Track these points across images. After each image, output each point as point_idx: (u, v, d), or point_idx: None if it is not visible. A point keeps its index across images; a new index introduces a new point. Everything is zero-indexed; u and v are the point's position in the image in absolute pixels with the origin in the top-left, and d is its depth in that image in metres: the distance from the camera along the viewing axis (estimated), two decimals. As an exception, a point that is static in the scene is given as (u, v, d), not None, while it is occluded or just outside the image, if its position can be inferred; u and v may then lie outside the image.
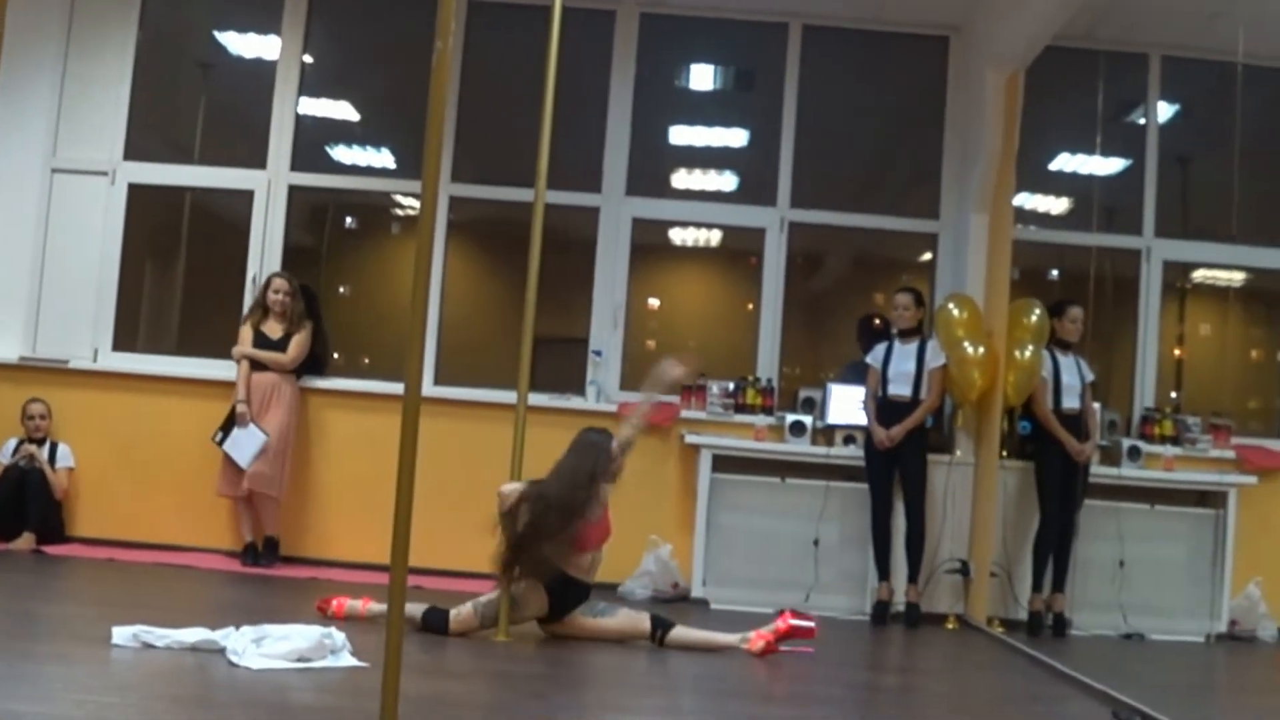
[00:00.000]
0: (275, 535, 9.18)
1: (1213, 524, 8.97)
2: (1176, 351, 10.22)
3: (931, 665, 7.56)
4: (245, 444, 8.92)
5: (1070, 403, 8.75)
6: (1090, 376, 8.87)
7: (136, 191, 9.84)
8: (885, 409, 8.77)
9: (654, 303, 10.74)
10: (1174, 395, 9.97)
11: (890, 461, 8.75)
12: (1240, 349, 10.47)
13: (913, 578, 8.70)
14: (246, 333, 9.17)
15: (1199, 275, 10.34)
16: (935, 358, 8.81)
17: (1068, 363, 8.82)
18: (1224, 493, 8.96)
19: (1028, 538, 8.79)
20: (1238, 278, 10.31)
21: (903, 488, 8.77)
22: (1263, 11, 8.82)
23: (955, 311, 8.91)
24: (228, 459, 8.96)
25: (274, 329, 9.18)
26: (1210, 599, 8.87)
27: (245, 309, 9.43)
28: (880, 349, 8.97)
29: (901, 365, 8.81)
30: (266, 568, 8.95)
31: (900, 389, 8.77)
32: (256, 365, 9.09)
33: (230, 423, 8.97)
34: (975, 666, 7.49)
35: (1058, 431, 8.65)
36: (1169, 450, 9.27)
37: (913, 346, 8.86)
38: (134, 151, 9.85)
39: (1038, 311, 8.86)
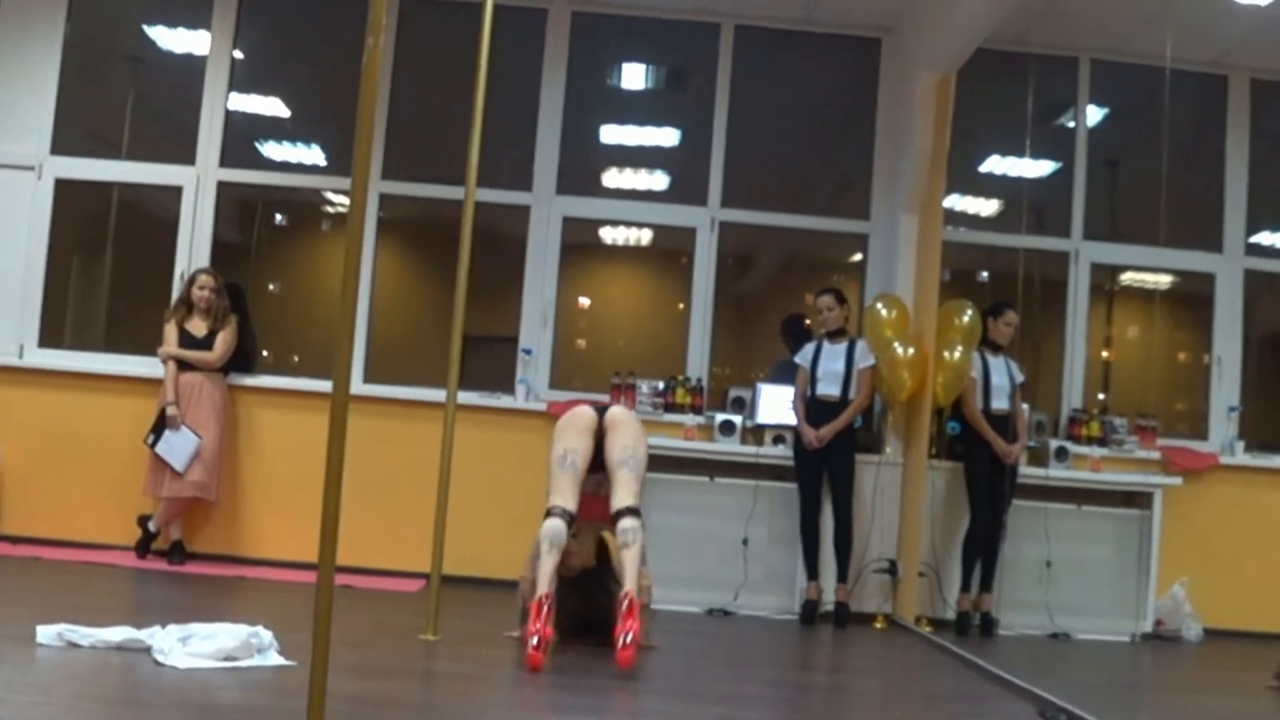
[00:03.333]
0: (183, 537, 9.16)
1: (1139, 524, 9.05)
2: (1104, 353, 10.31)
3: (860, 665, 7.59)
4: (179, 447, 8.83)
5: (999, 403, 8.80)
6: (1020, 378, 8.94)
7: (63, 186, 9.74)
8: (814, 409, 8.80)
9: (584, 301, 10.72)
10: (1101, 397, 10.06)
11: (819, 461, 8.78)
12: (1167, 351, 10.56)
13: (841, 577, 8.73)
14: (171, 331, 9.08)
15: (1126, 278, 10.43)
16: (864, 358, 8.86)
17: (998, 364, 8.88)
18: (1150, 493, 9.05)
19: (956, 538, 8.85)
20: (1165, 281, 10.41)
21: (831, 487, 8.80)
22: (1191, 17, 8.93)
23: (884, 311, 8.96)
24: (158, 460, 8.89)
25: (199, 326, 9.10)
26: (1136, 599, 8.95)
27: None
28: (809, 348, 9.00)
29: (830, 365, 8.84)
30: (179, 565, 8.89)
31: (829, 389, 8.80)
32: (183, 364, 9.01)
33: (161, 425, 8.89)
34: (903, 666, 7.54)
35: (986, 432, 8.71)
36: (1096, 451, 9.36)
37: (841, 346, 8.89)
38: (61, 146, 9.75)
39: (969, 312, 8.91)
